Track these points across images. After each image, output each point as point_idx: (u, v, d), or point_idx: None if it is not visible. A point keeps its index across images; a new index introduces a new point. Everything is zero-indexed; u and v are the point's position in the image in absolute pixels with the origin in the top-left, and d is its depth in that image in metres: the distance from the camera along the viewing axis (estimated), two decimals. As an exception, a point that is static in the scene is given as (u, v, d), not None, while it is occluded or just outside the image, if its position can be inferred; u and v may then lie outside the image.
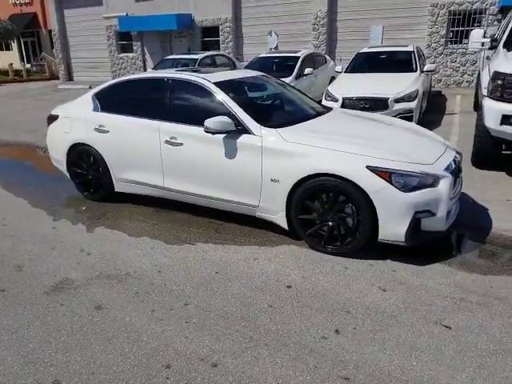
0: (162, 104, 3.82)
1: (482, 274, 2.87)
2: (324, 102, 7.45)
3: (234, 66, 11.37)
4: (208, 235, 3.56)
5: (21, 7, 24.93)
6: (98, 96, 4.29)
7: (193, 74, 3.85)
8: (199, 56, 10.29)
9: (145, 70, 17.17)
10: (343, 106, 7.17)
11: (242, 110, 3.43)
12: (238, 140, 3.36)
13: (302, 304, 2.57)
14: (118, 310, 2.55)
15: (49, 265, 3.12)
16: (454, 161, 3.29)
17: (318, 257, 3.14)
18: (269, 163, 3.24)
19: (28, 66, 24.42)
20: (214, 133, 3.33)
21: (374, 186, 2.88)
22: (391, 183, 2.87)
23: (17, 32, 23.81)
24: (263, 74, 4.60)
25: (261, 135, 3.30)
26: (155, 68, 10.68)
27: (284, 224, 3.33)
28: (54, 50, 20.74)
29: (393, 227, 2.92)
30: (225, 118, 3.31)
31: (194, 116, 3.60)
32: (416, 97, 7.03)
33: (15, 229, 3.80)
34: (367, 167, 2.91)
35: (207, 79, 3.69)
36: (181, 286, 2.79)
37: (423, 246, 3.11)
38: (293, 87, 4.71)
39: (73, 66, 19.97)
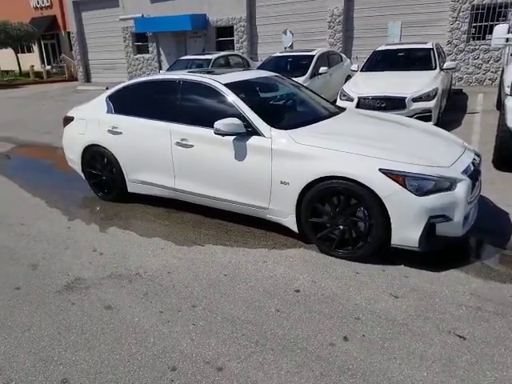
0: (173, 106, 3.84)
1: (500, 281, 2.76)
2: (339, 102, 7.35)
3: (247, 66, 11.36)
4: (218, 237, 3.55)
5: (41, 10, 25.57)
6: (112, 98, 4.34)
7: (204, 75, 3.85)
8: (213, 56, 10.32)
9: (166, 70, 17.34)
10: (359, 105, 7.06)
11: (252, 111, 3.41)
12: (247, 142, 3.33)
13: (310, 309, 2.53)
14: (127, 310, 2.57)
15: (62, 264, 3.17)
16: (473, 163, 3.18)
17: (329, 261, 3.09)
18: (278, 165, 3.20)
19: (48, 67, 25.05)
20: (223, 135, 3.32)
21: (386, 190, 2.81)
22: (405, 187, 2.80)
23: (37, 35, 24.43)
24: (276, 74, 4.56)
25: (271, 137, 3.27)
26: (170, 69, 10.77)
27: (294, 227, 3.29)
28: (72, 52, 21.19)
29: (406, 232, 2.85)
30: (235, 120, 3.29)
31: (205, 118, 3.59)
32: (435, 96, 6.85)
33: (31, 228, 3.88)
34: (380, 170, 2.84)
35: (218, 80, 3.68)
36: (189, 288, 2.79)
37: (439, 252, 3.03)
38: (306, 87, 4.66)
39: (91, 67, 20.36)
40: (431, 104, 6.77)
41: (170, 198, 4.09)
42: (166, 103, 3.93)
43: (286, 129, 3.32)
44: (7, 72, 25.09)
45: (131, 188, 4.27)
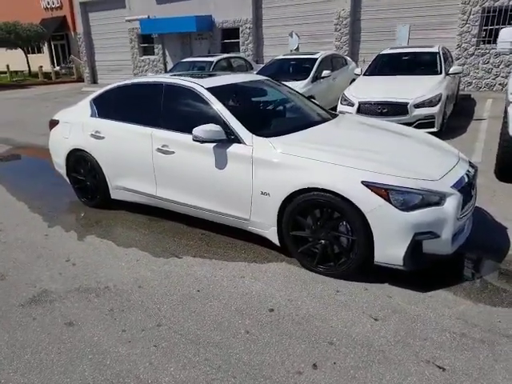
0: (155, 110, 3.71)
1: (490, 304, 2.56)
2: (340, 107, 7.18)
3: (250, 69, 11.24)
4: (198, 248, 3.41)
5: (51, 11, 25.82)
6: (96, 101, 4.24)
7: (187, 78, 3.71)
8: (215, 59, 10.20)
9: (166, 72, 17.32)
10: (359, 110, 6.88)
11: (233, 117, 3.26)
12: (228, 149, 3.19)
13: (282, 331, 2.36)
14: (89, 328, 2.43)
15: (31, 275, 3.06)
16: (467, 175, 2.99)
17: (310, 277, 2.92)
18: (259, 175, 3.05)
19: (57, 68, 25.26)
20: (202, 141, 3.17)
21: (369, 204, 2.64)
22: (389, 201, 2.62)
23: (47, 35, 24.66)
24: (266, 78, 4.41)
25: (252, 145, 3.12)
26: (171, 71, 10.69)
27: (276, 240, 3.14)
28: (80, 53, 21.33)
29: (390, 249, 2.67)
30: (214, 126, 3.14)
31: (186, 123, 3.44)
32: (439, 101, 6.63)
33: (9, 235, 3.79)
34: (362, 182, 2.67)
35: (200, 84, 3.54)
36: (158, 305, 2.64)
37: (427, 269, 2.84)
38: (298, 93, 4.48)
39: (97, 68, 20.43)
40: (434, 110, 6.55)
41: (154, 206, 3.96)
42: (148, 107, 3.81)
43: (269, 136, 3.17)
44: (16, 72, 25.37)
45: (114, 194, 4.16)
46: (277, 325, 2.42)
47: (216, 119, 3.29)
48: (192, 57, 12.18)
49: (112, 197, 4.18)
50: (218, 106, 3.34)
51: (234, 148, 3.17)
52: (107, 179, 4.09)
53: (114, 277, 2.99)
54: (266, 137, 3.15)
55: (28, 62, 25.22)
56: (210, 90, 3.48)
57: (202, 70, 9.83)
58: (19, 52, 24.98)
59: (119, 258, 3.26)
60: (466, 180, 2.93)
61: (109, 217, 4.12)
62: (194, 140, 3.18)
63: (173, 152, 3.49)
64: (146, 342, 2.30)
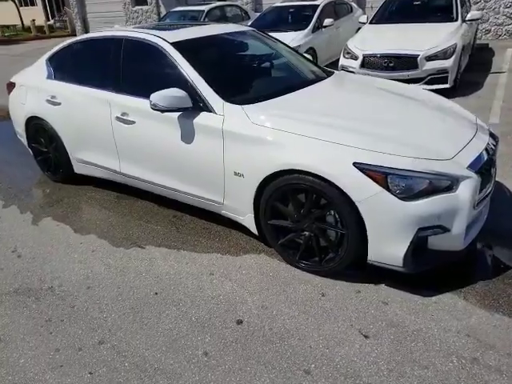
0: (114, 71, 3.09)
1: (509, 315, 2.08)
2: (342, 60, 6.43)
3: (247, 18, 10.19)
4: (165, 235, 2.94)
5: (39, -43, 23.87)
6: (52, 60, 3.62)
7: (150, 31, 3.05)
8: (206, 7, 9.18)
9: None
10: (364, 64, 6.13)
11: (202, 79, 2.65)
12: (195, 120, 2.61)
13: (249, 353, 1.93)
14: (18, 345, 2.02)
15: (-33, 271, 2.65)
16: (487, 150, 2.39)
17: (291, 275, 2.46)
18: (231, 152, 2.49)
19: (51, 21, 23.76)
20: (163, 110, 2.59)
21: (362, 192, 2.09)
22: (387, 188, 2.07)
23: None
24: (252, 28, 3.70)
25: (223, 114, 2.53)
26: (161, 20, 9.74)
27: (253, 228, 2.64)
28: (70, 5, 19.87)
29: (387, 247, 2.15)
30: (176, 92, 2.54)
31: (149, 87, 2.81)
32: (453, 53, 5.82)
33: (-42, 217, 3.36)
34: (355, 165, 2.11)
35: (163, 38, 2.88)
36: (105, 313, 2.21)
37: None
38: (289, 47, 3.76)
39: (89, 21, 19.12)
40: (448, 63, 5.75)
41: (122, 183, 3.45)
42: (106, 68, 3.17)
43: (244, 103, 2.57)
44: (8, 27, 23.95)
45: (77, 168, 3.64)
46: (244, 344, 1.98)
47: (182, 82, 2.68)
48: (184, 5, 11.09)
49: (75, 171, 3.67)
50: (183, 66, 2.72)
51: (201, 118, 2.59)
52: (68, 151, 3.56)
53: (61, 273, 2.55)
54: (241, 103, 2.55)
55: (20, 16, 23.69)
56: (176, 45, 2.84)
57: (193, 20, 8.89)
58: (10, 5, 23.40)
59: (73, 248, 2.82)
60: (486, 157, 2.34)
61: (73, 194, 3.63)
62: (152, 108, 2.59)
63: (133, 122, 2.92)
64: (80, 366, 1.88)
